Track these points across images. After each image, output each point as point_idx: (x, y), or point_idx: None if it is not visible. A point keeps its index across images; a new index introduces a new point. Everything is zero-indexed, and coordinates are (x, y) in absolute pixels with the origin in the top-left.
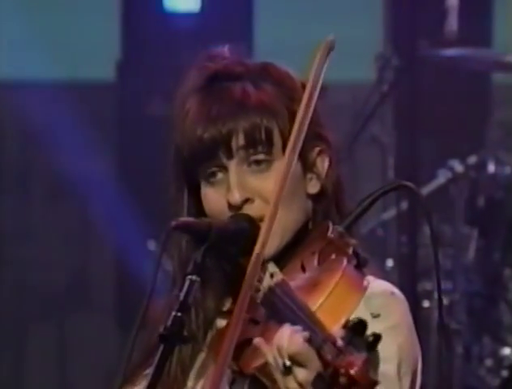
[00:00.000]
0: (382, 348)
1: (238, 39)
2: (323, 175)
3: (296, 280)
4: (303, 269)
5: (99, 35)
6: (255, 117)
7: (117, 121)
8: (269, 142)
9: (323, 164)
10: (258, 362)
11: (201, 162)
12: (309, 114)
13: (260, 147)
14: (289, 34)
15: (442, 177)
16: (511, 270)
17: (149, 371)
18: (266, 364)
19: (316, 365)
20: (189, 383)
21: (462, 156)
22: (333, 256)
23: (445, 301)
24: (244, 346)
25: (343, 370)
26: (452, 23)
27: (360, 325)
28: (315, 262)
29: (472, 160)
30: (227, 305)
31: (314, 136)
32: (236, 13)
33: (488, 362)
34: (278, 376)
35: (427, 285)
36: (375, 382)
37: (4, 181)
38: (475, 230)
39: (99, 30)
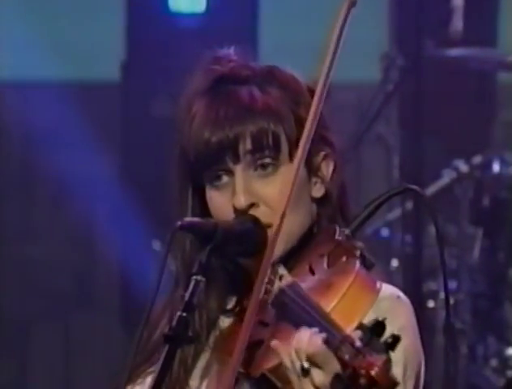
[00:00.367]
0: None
1: (243, 39)
2: (328, 179)
3: (306, 282)
4: (311, 271)
5: (104, 35)
6: (262, 122)
7: (122, 122)
8: (276, 147)
9: (328, 168)
10: (270, 364)
11: (207, 166)
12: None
13: (267, 151)
14: (294, 35)
15: (447, 176)
16: None
17: (150, 369)
18: (279, 365)
19: (334, 367)
20: (193, 383)
21: (466, 155)
22: (344, 258)
23: (450, 301)
24: (252, 348)
25: (363, 371)
26: (457, 23)
27: (379, 326)
28: (324, 264)
29: (477, 160)
30: (230, 305)
31: (320, 140)
32: (241, 14)
33: (493, 362)
34: (294, 378)
35: (432, 285)
36: (395, 383)
37: (9, 181)
38: (480, 230)
39: (104, 30)
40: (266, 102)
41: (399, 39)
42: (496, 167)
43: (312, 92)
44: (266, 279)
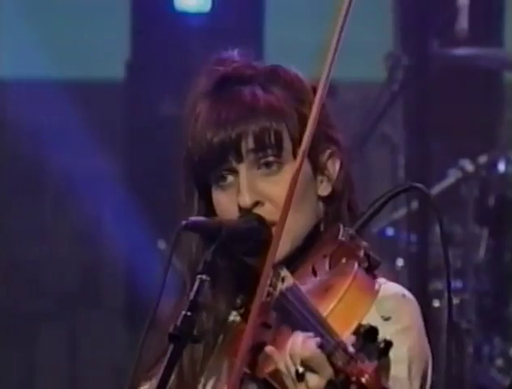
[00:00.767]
0: (393, 351)
1: (248, 39)
2: (334, 177)
3: (308, 284)
4: (314, 273)
5: (109, 34)
6: (264, 121)
7: (127, 121)
8: (278, 145)
9: (334, 167)
10: (269, 368)
11: (211, 166)
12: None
13: (270, 150)
14: (299, 33)
15: (453, 176)
16: None
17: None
18: (277, 370)
19: (328, 372)
20: (203, 383)
21: (472, 155)
22: (344, 260)
23: (456, 301)
24: (256, 350)
25: (354, 378)
26: (463, 23)
27: (371, 331)
28: (326, 265)
29: (483, 159)
30: (237, 303)
31: (325, 138)
32: (246, 12)
33: (499, 362)
34: (289, 383)
35: (437, 285)
36: None
37: (14, 181)
38: (486, 229)
39: (109, 30)
40: (269, 101)
41: (405, 38)
42: (501, 166)
43: (315, 91)
44: (269, 282)
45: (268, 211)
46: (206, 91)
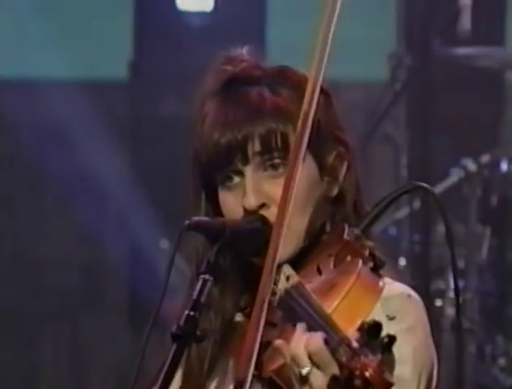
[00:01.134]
0: (397, 350)
1: (250, 38)
2: (341, 178)
3: (313, 283)
4: (319, 272)
5: (112, 34)
6: (271, 123)
7: (130, 121)
8: (285, 147)
9: (341, 168)
10: (275, 365)
11: (218, 167)
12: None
13: (276, 152)
14: (302, 33)
15: (455, 175)
16: None
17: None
18: (283, 366)
19: (332, 368)
20: (212, 383)
21: (475, 154)
22: (348, 258)
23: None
24: (263, 349)
25: (357, 372)
26: (465, 22)
27: (375, 327)
28: (331, 264)
29: (485, 158)
30: (243, 303)
31: (333, 139)
32: (248, 12)
33: (501, 361)
34: (295, 380)
35: (440, 284)
36: (390, 384)
37: (18, 180)
38: (488, 229)
39: (112, 29)
40: (276, 103)
41: (407, 38)
42: (504, 166)
43: (323, 91)
44: (272, 281)
45: (273, 213)
46: (213, 91)
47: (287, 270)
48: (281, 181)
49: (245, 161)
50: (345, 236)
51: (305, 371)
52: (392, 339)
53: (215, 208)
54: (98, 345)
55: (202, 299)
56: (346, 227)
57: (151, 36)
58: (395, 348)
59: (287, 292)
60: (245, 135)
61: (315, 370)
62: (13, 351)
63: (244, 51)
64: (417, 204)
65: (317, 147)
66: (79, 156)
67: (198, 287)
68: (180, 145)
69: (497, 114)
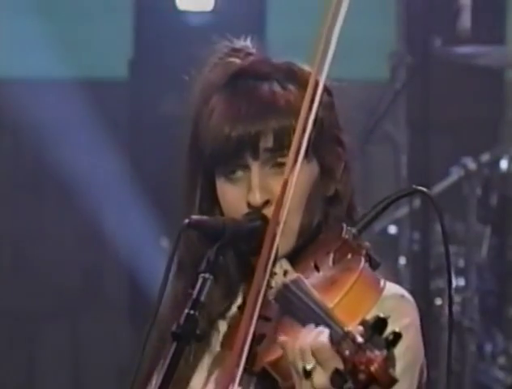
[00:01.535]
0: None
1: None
2: (338, 178)
3: (311, 279)
4: (316, 268)
5: (111, 33)
6: (284, 119)
7: (130, 120)
8: None
9: (339, 168)
10: (270, 357)
11: (224, 160)
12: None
13: (286, 150)
14: (302, 32)
15: (455, 174)
16: None
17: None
18: (280, 359)
19: (335, 363)
20: (197, 381)
21: (475, 153)
22: (349, 256)
23: (458, 299)
24: (254, 343)
25: (362, 367)
26: (465, 21)
27: (381, 322)
28: (330, 261)
29: (485, 157)
30: (239, 302)
31: (333, 139)
32: (248, 11)
33: (501, 360)
34: (296, 376)
35: (439, 283)
36: (395, 380)
37: (18, 180)
38: (488, 228)
39: (111, 28)
40: (288, 99)
41: (407, 37)
42: (504, 165)
43: (327, 91)
44: (268, 275)
45: None
46: (220, 84)
47: (284, 264)
48: None
49: (255, 156)
50: (343, 234)
51: (310, 366)
52: (398, 336)
53: (210, 201)
54: (98, 345)
55: (202, 298)
56: (344, 226)
57: (150, 36)
58: None
59: (285, 285)
60: (258, 130)
61: (318, 366)
62: (13, 350)
63: (248, 43)
64: (417, 203)
65: (319, 147)
66: (79, 155)
67: (198, 285)
68: (180, 143)
69: (497, 113)
